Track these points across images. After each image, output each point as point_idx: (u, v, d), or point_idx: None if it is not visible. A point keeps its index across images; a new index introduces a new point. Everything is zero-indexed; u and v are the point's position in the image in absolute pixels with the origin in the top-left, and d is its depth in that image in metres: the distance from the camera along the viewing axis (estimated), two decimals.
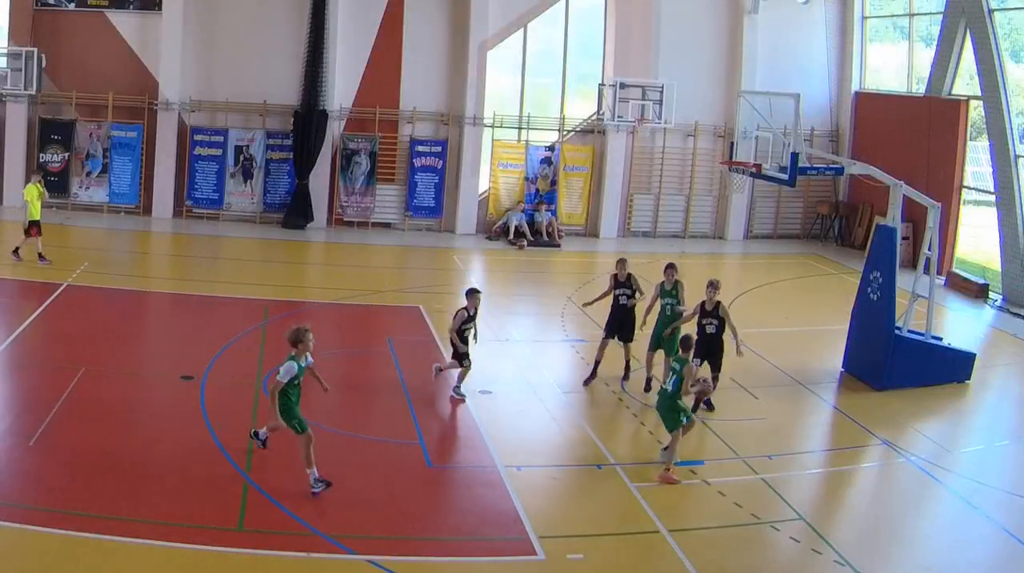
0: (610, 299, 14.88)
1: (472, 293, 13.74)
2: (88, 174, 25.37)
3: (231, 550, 9.17)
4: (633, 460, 12.02)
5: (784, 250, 27.12)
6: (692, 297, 14.43)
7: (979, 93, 22.63)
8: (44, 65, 24.63)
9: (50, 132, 25.10)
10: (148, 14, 25.27)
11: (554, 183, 27.08)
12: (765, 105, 16.96)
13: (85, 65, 25.17)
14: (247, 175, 26.00)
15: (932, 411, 14.84)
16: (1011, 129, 21.63)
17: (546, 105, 27.62)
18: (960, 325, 20.22)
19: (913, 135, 24.74)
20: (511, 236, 25.86)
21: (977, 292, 22.29)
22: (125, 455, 11.13)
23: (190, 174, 25.67)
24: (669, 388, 11.76)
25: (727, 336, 13.68)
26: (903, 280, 15.71)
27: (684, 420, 11.66)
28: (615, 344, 14.78)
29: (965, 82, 24.04)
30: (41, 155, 25.06)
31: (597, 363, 14.78)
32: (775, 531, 10.33)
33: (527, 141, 27.21)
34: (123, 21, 25.39)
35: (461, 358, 13.57)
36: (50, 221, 23.33)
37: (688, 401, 11.93)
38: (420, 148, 26.43)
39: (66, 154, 25.15)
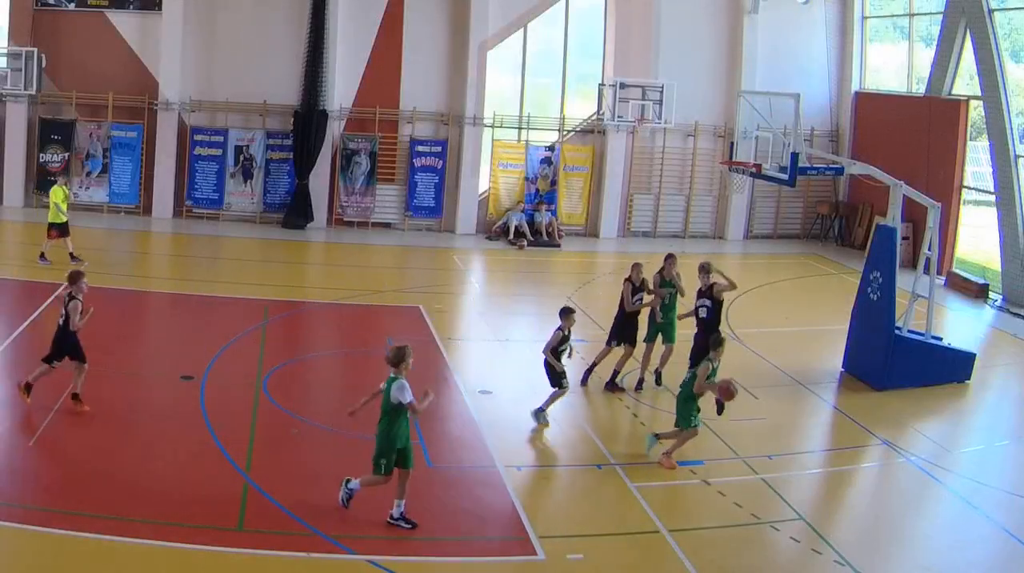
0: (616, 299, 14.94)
1: (567, 313, 13.05)
2: (88, 174, 25.36)
3: (231, 550, 9.17)
4: (633, 460, 12.01)
5: (784, 250, 27.12)
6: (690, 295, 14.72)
7: (979, 93, 22.62)
8: (44, 65, 24.63)
9: (50, 132, 25.09)
10: (148, 14, 25.27)
11: (554, 183, 27.08)
12: (765, 105, 16.96)
13: (85, 65, 25.17)
14: (247, 175, 26.00)
15: (932, 411, 14.83)
16: (1011, 129, 21.63)
17: (546, 105, 27.62)
18: (960, 325, 20.22)
19: (913, 135, 24.73)
20: (511, 236, 25.87)
21: (977, 292, 22.29)
22: (125, 455, 11.13)
23: (190, 174, 25.67)
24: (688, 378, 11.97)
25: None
26: (903, 280, 15.70)
27: (695, 423, 11.70)
28: (621, 348, 14.74)
29: (965, 82, 24.04)
30: (41, 155, 25.05)
31: (595, 365, 14.78)
32: (775, 531, 10.33)
33: (527, 141, 27.21)
34: (123, 21, 25.38)
35: (559, 379, 13.05)
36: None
37: (706, 399, 11.91)
38: (420, 148, 26.43)
39: (66, 154, 25.13)
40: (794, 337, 18.21)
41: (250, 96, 25.62)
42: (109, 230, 24.04)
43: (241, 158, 25.89)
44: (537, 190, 26.94)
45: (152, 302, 18.82)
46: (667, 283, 14.62)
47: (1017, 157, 21.59)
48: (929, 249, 15.56)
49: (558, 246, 25.81)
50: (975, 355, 16.03)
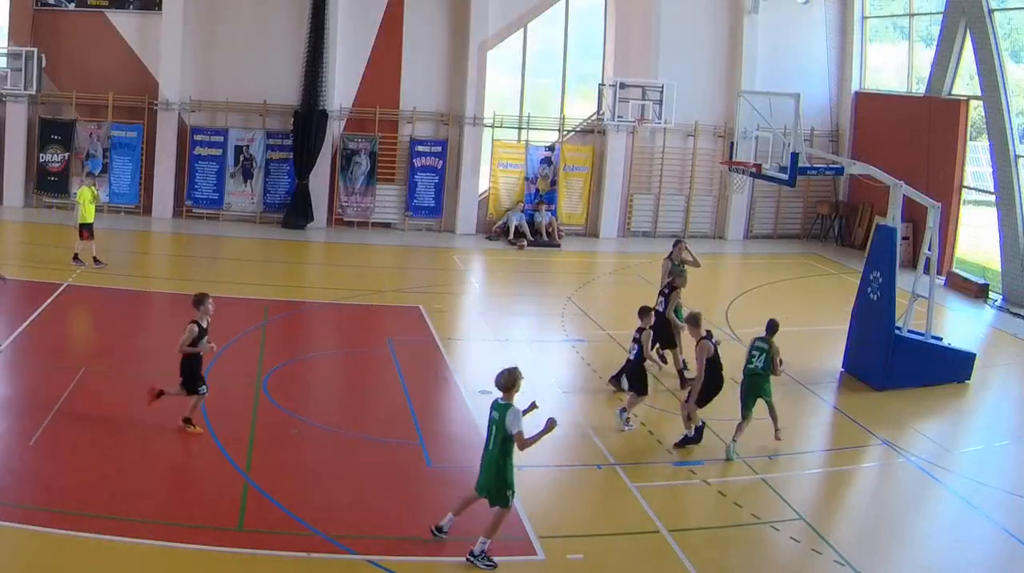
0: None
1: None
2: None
3: (231, 550, 9.17)
4: (633, 460, 12.01)
5: (784, 250, 27.11)
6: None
7: (979, 93, 22.62)
8: (44, 65, 24.63)
9: (50, 132, 25.09)
10: (148, 14, 25.27)
11: (554, 183, 27.08)
12: (765, 105, 16.96)
13: (85, 65, 25.16)
14: (247, 175, 25.99)
15: (932, 411, 14.83)
16: (1011, 129, 21.63)
17: (546, 105, 27.61)
18: (960, 325, 20.21)
19: (913, 135, 24.73)
20: (511, 236, 25.86)
21: (977, 292, 22.29)
22: (125, 455, 11.13)
23: (190, 174, 25.67)
24: (759, 365, 12.37)
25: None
26: (903, 280, 15.70)
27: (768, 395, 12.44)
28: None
29: (965, 82, 24.04)
30: (41, 155, 25.06)
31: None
32: (775, 531, 10.33)
33: (527, 141, 27.21)
34: (123, 21, 25.38)
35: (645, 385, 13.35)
36: (49, 221, 23.45)
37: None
38: (420, 148, 26.43)
39: (66, 154, 25.13)
40: (794, 337, 18.08)
41: (250, 96, 25.61)
42: (109, 230, 23.92)
43: (241, 158, 25.89)
44: (537, 190, 26.94)
45: (152, 302, 18.82)
46: (678, 267, 15.64)
47: (1017, 157, 21.59)
48: (929, 249, 15.56)
49: (558, 246, 25.81)
50: (975, 355, 16.03)
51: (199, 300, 11.79)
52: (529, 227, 26.10)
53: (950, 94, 24.28)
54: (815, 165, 17.89)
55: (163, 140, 25.28)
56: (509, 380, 9.24)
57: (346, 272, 21.99)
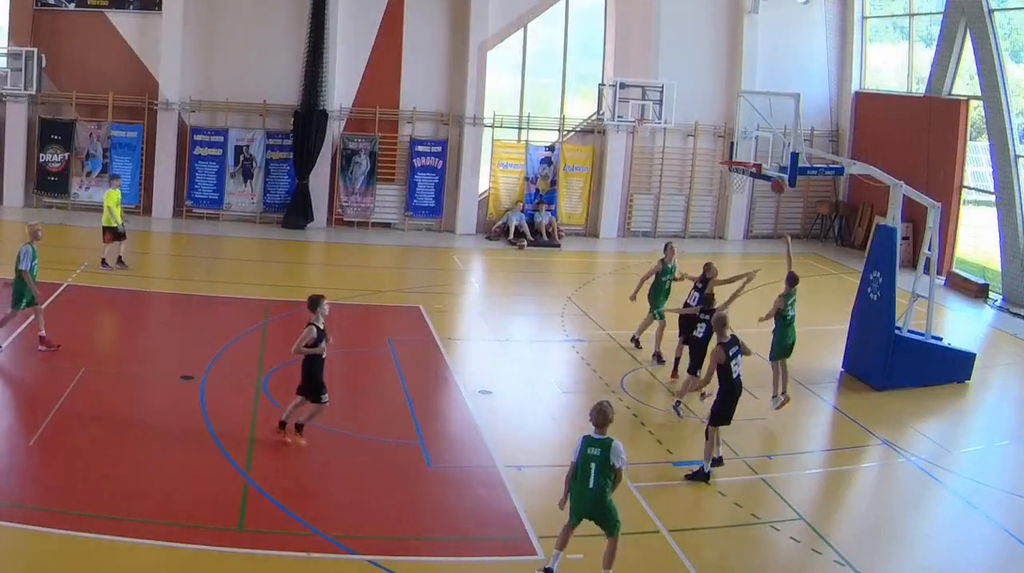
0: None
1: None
2: (88, 174, 25.35)
3: (231, 550, 9.17)
4: (633, 460, 11.98)
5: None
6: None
7: (979, 93, 22.62)
8: (44, 65, 24.62)
9: (50, 132, 25.08)
10: (148, 14, 25.26)
11: (554, 183, 27.07)
12: (765, 105, 16.97)
13: (85, 65, 25.16)
14: (247, 175, 25.99)
15: (932, 411, 14.83)
16: (1011, 129, 21.63)
17: (546, 105, 27.61)
18: (960, 325, 20.21)
19: (913, 135, 24.73)
20: (511, 236, 25.86)
21: (977, 292, 22.29)
22: (125, 455, 11.14)
23: (190, 174, 25.67)
24: None
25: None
26: (903, 280, 15.70)
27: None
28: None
29: (965, 82, 24.04)
30: (41, 155, 25.05)
31: (676, 360, 15.19)
32: (775, 531, 10.34)
33: (527, 141, 27.20)
34: (123, 21, 25.37)
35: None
36: (50, 221, 23.39)
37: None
38: (420, 148, 26.42)
39: (66, 154, 25.12)
40: None
41: (250, 96, 25.61)
42: None
43: (241, 158, 25.88)
44: (537, 190, 26.93)
45: (152, 302, 18.81)
46: (668, 270, 15.91)
47: (1017, 157, 21.58)
48: (929, 249, 15.56)
49: (558, 246, 25.80)
50: (975, 355, 16.03)
51: (315, 302, 11.68)
52: (529, 227, 26.09)
53: (950, 94, 24.27)
54: (815, 165, 17.87)
55: (163, 140, 25.27)
56: (600, 417, 9.17)
57: (346, 272, 21.98)
